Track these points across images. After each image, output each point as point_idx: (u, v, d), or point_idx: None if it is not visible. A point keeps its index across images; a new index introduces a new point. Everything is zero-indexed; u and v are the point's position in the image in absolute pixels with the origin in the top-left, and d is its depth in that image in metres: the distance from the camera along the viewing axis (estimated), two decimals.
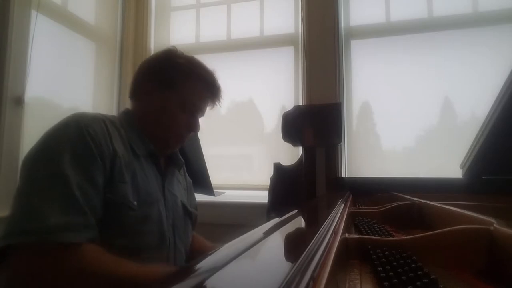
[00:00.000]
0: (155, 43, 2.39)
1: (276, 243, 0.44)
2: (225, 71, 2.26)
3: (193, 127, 0.95)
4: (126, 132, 0.85)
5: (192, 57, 0.96)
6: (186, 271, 0.29)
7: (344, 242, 0.53)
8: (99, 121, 0.78)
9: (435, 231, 0.55)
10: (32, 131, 1.61)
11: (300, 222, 0.67)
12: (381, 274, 0.43)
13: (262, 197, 1.87)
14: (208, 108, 1.00)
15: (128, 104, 0.98)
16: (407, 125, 1.91)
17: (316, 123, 1.78)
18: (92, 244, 0.67)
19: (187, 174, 1.13)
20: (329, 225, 0.50)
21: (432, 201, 0.91)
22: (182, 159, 1.04)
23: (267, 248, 0.38)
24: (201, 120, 0.99)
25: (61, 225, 0.63)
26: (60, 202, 0.65)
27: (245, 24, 2.26)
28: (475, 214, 0.61)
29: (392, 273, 0.42)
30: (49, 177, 0.67)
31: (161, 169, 0.91)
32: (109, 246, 0.69)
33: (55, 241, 0.62)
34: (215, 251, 0.34)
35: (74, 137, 0.72)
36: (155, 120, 0.90)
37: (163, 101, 0.90)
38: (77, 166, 0.69)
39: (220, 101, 1.01)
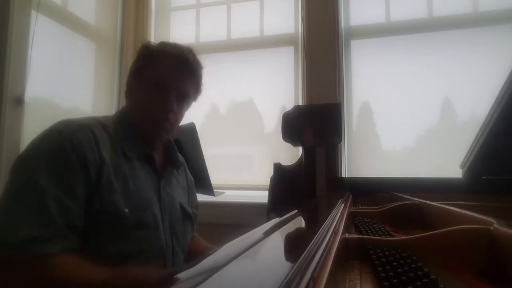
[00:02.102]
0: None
1: (276, 243, 0.44)
2: (225, 71, 2.27)
3: (168, 104, 0.87)
4: (118, 135, 0.84)
5: (166, 41, 0.96)
6: (186, 271, 0.29)
7: (344, 242, 0.53)
8: (85, 128, 0.77)
9: (435, 231, 0.55)
10: (32, 131, 1.61)
11: (300, 222, 0.67)
12: (381, 274, 0.43)
13: (262, 197, 1.87)
14: (186, 86, 0.91)
15: None
16: (407, 125, 1.91)
17: (316, 123, 1.78)
18: (66, 255, 0.66)
19: (188, 172, 1.11)
20: (329, 225, 0.50)
21: (432, 201, 0.91)
22: (181, 159, 1.03)
23: (267, 248, 0.39)
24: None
25: (32, 237, 0.63)
26: (33, 214, 0.65)
27: (245, 24, 2.26)
28: (475, 214, 0.61)
29: (392, 273, 0.42)
30: (24, 188, 0.67)
31: (157, 169, 0.89)
32: (103, 254, 0.69)
33: (25, 253, 0.62)
34: (215, 251, 0.34)
35: (54, 147, 0.71)
36: (136, 109, 0.89)
37: (138, 88, 0.90)
38: (54, 177, 0.69)
39: (195, 76, 0.93)
